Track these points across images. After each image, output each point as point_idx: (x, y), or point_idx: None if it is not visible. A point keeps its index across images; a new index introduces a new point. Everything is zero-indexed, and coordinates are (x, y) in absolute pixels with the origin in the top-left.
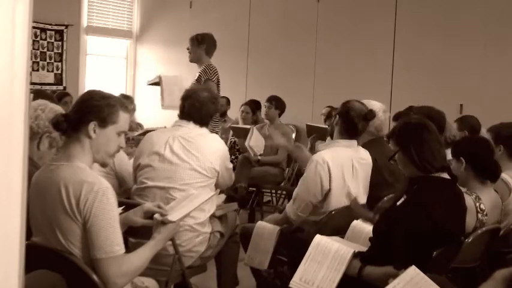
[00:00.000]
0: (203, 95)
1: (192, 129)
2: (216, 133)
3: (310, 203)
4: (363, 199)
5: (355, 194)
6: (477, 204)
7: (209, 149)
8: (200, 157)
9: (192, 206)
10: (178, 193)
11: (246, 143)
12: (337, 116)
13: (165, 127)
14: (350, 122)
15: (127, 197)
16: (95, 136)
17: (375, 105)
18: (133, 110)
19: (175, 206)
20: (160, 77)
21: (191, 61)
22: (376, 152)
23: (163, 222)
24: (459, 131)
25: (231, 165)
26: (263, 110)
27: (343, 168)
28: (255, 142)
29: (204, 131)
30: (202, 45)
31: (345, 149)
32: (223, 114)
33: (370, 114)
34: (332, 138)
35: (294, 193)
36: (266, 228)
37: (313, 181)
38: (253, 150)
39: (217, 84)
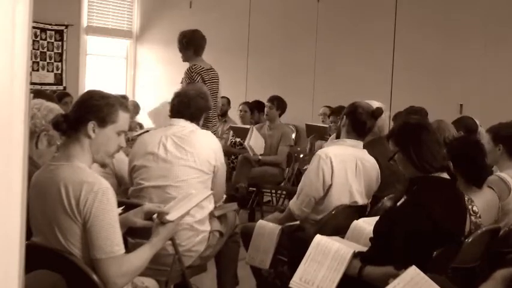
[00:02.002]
0: (191, 92)
1: (184, 127)
2: (214, 133)
3: (313, 198)
4: (364, 200)
5: (357, 193)
6: (469, 206)
7: (202, 143)
8: (194, 152)
9: (190, 205)
10: (175, 190)
11: (246, 143)
12: (344, 117)
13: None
14: (358, 121)
15: (127, 197)
16: (94, 136)
17: (376, 105)
18: (137, 112)
19: (175, 205)
20: (162, 104)
21: (184, 61)
22: (377, 152)
23: (163, 223)
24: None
25: (225, 167)
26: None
27: (346, 166)
28: (255, 142)
29: (196, 127)
30: (189, 48)
31: (350, 148)
32: (224, 115)
33: (378, 112)
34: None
35: (298, 188)
36: (267, 228)
37: (315, 175)
38: (252, 150)
39: (203, 83)
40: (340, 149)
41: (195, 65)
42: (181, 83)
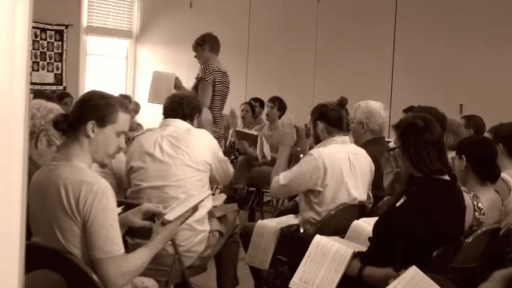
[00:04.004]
0: (182, 93)
1: (179, 127)
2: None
3: (294, 191)
4: (363, 195)
5: (354, 189)
6: (475, 202)
7: (198, 142)
8: (190, 152)
9: (189, 205)
10: (173, 190)
11: (259, 152)
12: (318, 123)
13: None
14: (333, 118)
15: (126, 197)
16: (93, 136)
17: (374, 105)
18: (137, 111)
19: (176, 207)
20: (153, 72)
21: (202, 64)
22: (377, 151)
23: (163, 223)
24: (466, 129)
25: (225, 158)
26: (265, 109)
27: (341, 164)
28: (266, 149)
29: (190, 126)
30: (205, 46)
31: (341, 145)
32: None
33: (343, 101)
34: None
35: (284, 176)
36: (266, 228)
37: (304, 174)
38: (265, 157)
39: (215, 84)
40: (332, 147)
41: (211, 64)
42: (196, 78)
